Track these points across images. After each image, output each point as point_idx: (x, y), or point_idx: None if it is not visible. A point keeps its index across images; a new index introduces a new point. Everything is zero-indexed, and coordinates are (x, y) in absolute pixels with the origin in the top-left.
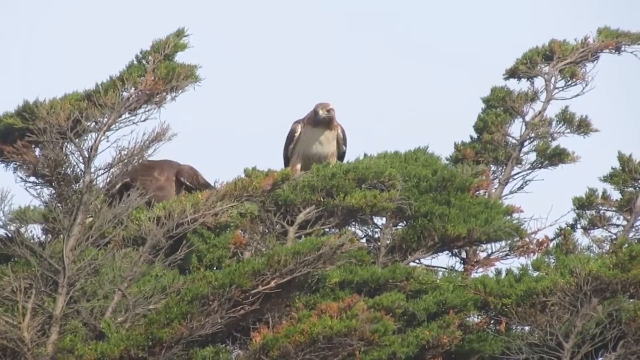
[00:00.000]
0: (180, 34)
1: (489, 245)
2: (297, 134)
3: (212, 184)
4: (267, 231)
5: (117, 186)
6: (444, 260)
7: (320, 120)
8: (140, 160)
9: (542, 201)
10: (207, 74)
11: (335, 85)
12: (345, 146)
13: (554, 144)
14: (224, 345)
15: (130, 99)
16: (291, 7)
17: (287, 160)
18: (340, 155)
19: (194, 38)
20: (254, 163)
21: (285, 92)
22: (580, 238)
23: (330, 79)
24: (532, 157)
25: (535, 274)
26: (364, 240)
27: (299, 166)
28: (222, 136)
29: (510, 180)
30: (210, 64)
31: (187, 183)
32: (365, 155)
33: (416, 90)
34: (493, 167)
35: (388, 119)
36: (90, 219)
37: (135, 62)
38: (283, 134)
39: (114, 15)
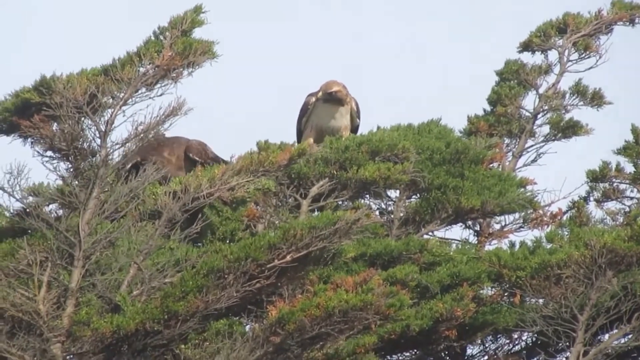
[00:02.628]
0: (198, 10)
1: (502, 218)
2: (310, 107)
3: (222, 158)
4: (280, 204)
5: (128, 166)
6: (457, 232)
7: (326, 99)
8: (153, 137)
9: (556, 174)
10: (223, 49)
11: (348, 58)
12: (359, 119)
13: (567, 116)
14: (238, 318)
15: (147, 74)
16: None
17: (299, 134)
18: (354, 129)
19: (212, 15)
20: (265, 137)
21: (300, 66)
22: (594, 210)
23: (342, 53)
24: (546, 129)
25: (549, 246)
26: (377, 213)
27: (312, 139)
28: (234, 110)
29: (524, 152)
30: (224, 38)
31: (197, 158)
32: (378, 127)
33: (429, 62)
34: (507, 140)
35: (402, 91)
36: (103, 195)
37: (152, 37)
38: (296, 108)
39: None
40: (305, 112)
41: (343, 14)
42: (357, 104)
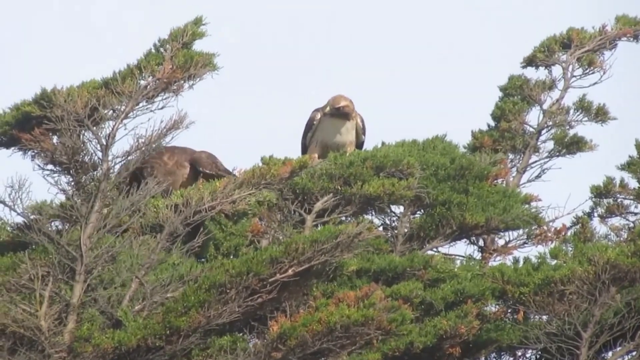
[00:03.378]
0: (198, 22)
1: (506, 234)
2: (316, 122)
3: (231, 171)
4: (284, 219)
5: (130, 170)
6: (461, 248)
7: (333, 114)
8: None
9: (560, 189)
10: (225, 62)
11: (352, 73)
12: (364, 135)
13: (571, 132)
14: (241, 334)
15: (148, 87)
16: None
17: (304, 149)
18: (359, 145)
19: (212, 26)
20: (270, 152)
21: (304, 80)
22: (598, 226)
23: (346, 68)
24: (550, 145)
25: (553, 262)
26: (381, 228)
27: (316, 154)
28: (238, 125)
29: (528, 168)
30: (226, 52)
31: (207, 171)
32: (383, 143)
33: (433, 78)
34: (511, 156)
35: (405, 107)
36: (107, 208)
37: (153, 50)
38: (300, 123)
39: (132, 5)
40: (310, 127)
41: (343, 25)
42: (362, 120)
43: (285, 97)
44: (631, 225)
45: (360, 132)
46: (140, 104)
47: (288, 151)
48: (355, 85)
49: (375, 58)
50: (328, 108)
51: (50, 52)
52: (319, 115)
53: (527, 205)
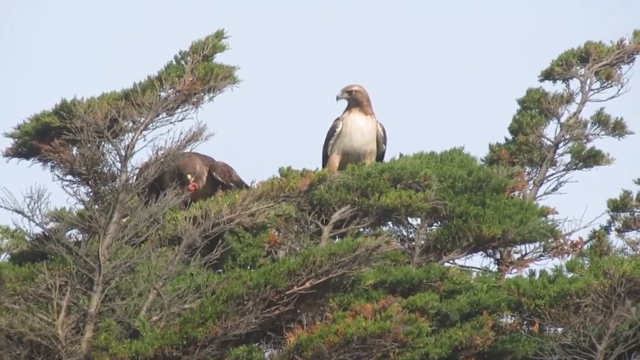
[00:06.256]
0: (219, 35)
1: (523, 246)
2: (338, 130)
3: (246, 182)
4: (301, 230)
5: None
6: (478, 260)
7: (347, 100)
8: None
9: (577, 202)
10: (245, 74)
11: (370, 84)
12: (385, 145)
13: (588, 145)
14: (257, 344)
15: (168, 98)
16: (326, 11)
17: (325, 158)
18: (380, 155)
19: (233, 39)
20: (288, 163)
21: (320, 96)
22: (614, 240)
23: (365, 80)
24: (567, 158)
25: (569, 275)
26: (398, 240)
27: (337, 162)
28: (256, 135)
29: (545, 181)
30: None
31: (219, 179)
32: (400, 155)
33: (452, 91)
34: (528, 169)
35: (424, 119)
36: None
37: (174, 62)
38: (318, 134)
39: (152, 18)
40: (332, 135)
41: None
42: (383, 129)
43: (301, 107)
44: None
45: (380, 142)
46: (160, 116)
47: (305, 162)
48: (373, 96)
49: (394, 70)
50: (340, 92)
51: (70, 62)
52: (340, 124)
53: (543, 218)
